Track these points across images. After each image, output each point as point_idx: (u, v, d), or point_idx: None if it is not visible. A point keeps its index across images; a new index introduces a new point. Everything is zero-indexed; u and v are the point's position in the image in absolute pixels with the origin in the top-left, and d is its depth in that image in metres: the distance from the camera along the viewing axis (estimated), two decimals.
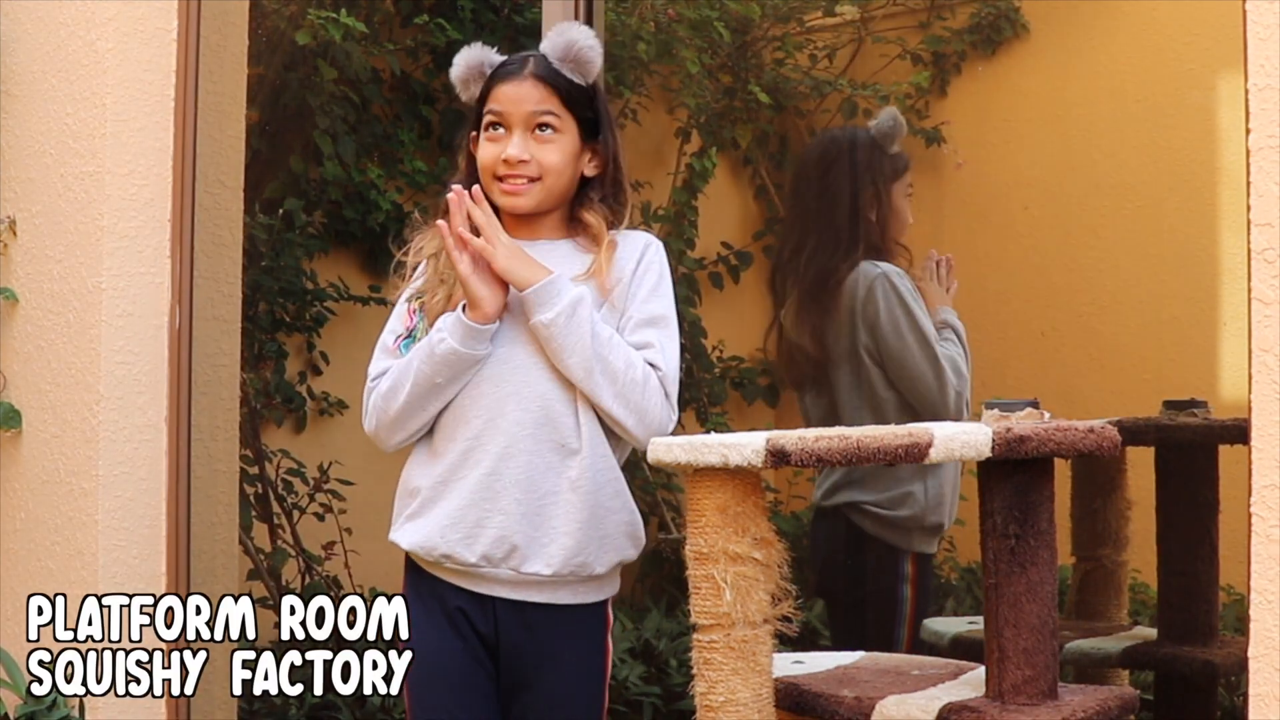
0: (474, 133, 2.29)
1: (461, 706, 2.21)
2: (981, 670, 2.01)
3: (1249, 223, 1.80)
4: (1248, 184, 1.81)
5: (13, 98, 3.32)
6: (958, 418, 2.95)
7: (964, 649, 2.75)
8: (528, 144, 2.22)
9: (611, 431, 2.20)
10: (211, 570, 3.24)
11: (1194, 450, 2.62)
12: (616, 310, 2.23)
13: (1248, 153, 1.81)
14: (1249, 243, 1.80)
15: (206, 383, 3.23)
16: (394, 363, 2.25)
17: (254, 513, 4.03)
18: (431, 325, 2.22)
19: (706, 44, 4.79)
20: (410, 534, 2.23)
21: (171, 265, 3.17)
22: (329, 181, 4.27)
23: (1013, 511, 1.88)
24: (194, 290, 3.19)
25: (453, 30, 4.41)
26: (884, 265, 3.01)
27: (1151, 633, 2.74)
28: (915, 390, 2.96)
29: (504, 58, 2.29)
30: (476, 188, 2.22)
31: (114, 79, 3.14)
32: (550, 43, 2.26)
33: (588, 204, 2.27)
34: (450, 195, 2.19)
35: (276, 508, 4.11)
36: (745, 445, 1.81)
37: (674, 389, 2.20)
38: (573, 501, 2.17)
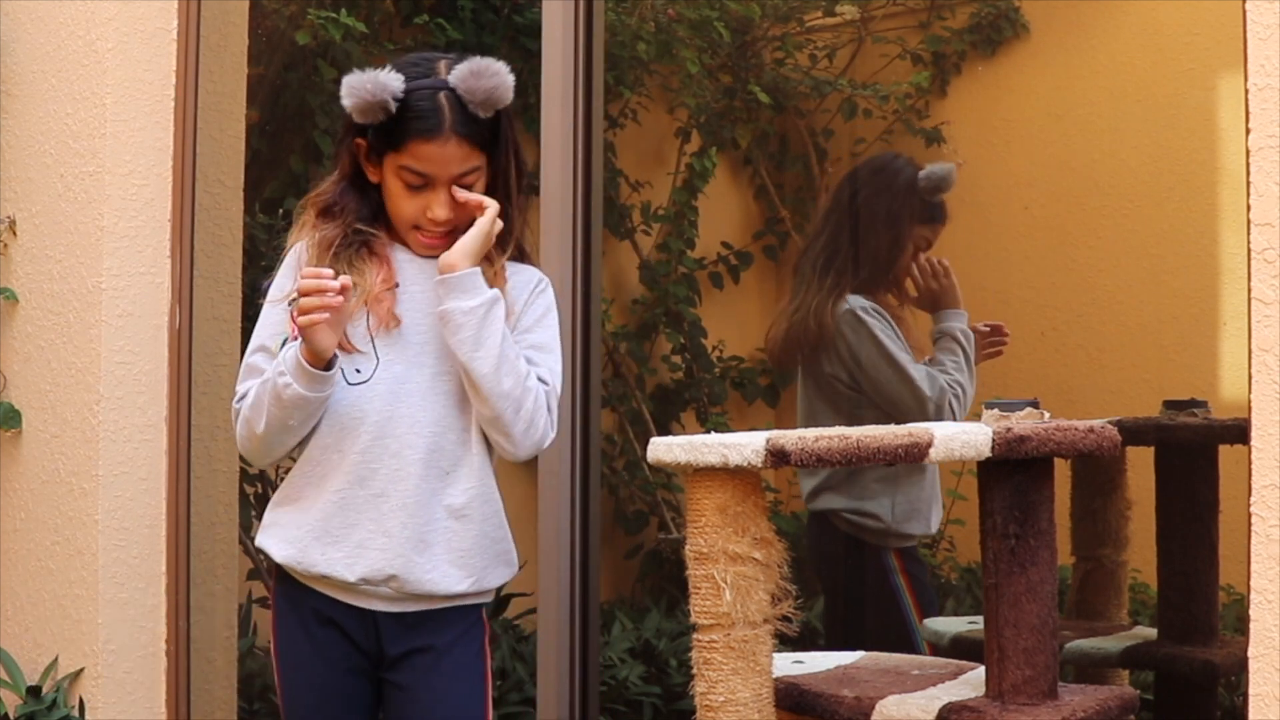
0: (359, 139, 2.20)
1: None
2: (981, 670, 2.00)
3: (1249, 223, 1.80)
4: (1248, 184, 1.81)
5: (13, 98, 3.31)
6: None
7: (964, 649, 2.75)
8: (451, 202, 2.17)
9: (491, 461, 2.21)
10: (211, 570, 3.24)
11: (1194, 450, 2.62)
12: None
13: (1248, 153, 1.81)
14: (1249, 243, 1.80)
15: (206, 382, 3.23)
16: (252, 383, 2.19)
17: (254, 512, 4.02)
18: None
19: (706, 44, 4.79)
20: (284, 545, 2.19)
21: (171, 265, 3.17)
22: None
23: (1013, 511, 1.88)
24: (194, 290, 3.19)
25: (453, 30, 4.41)
26: (852, 300, 3.10)
27: (1151, 633, 2.73)
28: (897, 411, 3.05)
29: (401, 81, 2.14)
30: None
31: (114, 79, 3.14)
32: (465, 84, 2.14)
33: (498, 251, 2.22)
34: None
35: None
36: (745, 445, 1.81)
37: (555, 406, 2.20)
38: (456, 530, 2.18)
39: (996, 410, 1.95)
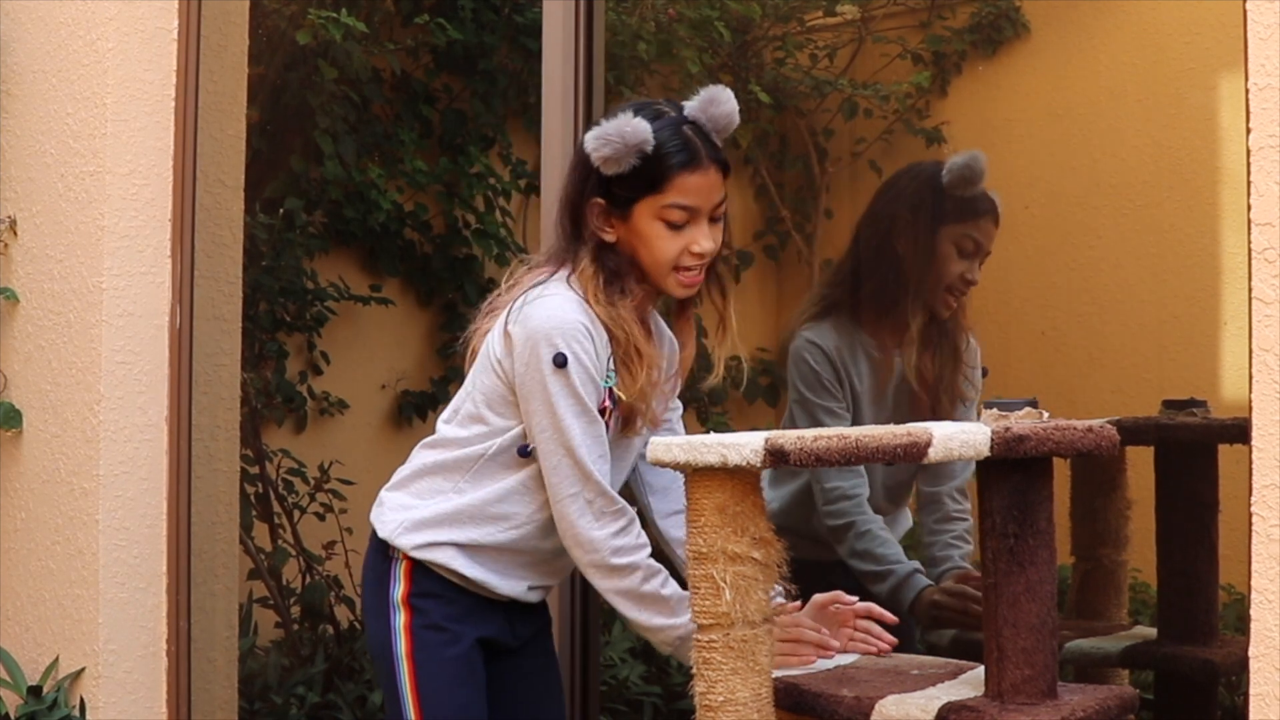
0: (598, 199, 2.14)
1: None
2: (981, 670, 2.00)
3: (1249, 223, 1.80)
4: (1248, 184, 1.81)
5: (13, 98, 3.32)
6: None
7: (964, 649, 2.75)
8: (712, 232, 2.18)
9: None
10: (211, 570, 3.24)
11: (1194, 450, 2.62)
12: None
13: (1248, 153, 1.81)
14: (1249, 243, 1.80)
15: (207, 382, 3.23)
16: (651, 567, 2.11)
17: (254, 512, 4.03)
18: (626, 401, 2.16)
19: (706, 44, 4.80)
20: (486, 572, 2.19)
21: (172, 265, 3.17)
22: (329, 181, 4.27)
23: (1012, 511, 1.88)
24: (194, 290, 3.19)
25: (453, 30, 4.41)
26: (808, 334, 2.87)
27: (1151, 633, 2.73)
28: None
29: (652, 125, 2.12)
30: None
31: (114, 79, 3.14)
32: (706, 113, 2.18)
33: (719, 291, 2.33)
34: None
35: (277, 507, 4.11)
36: (744, 445, 1.81)
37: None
38: None
39: (995, 410, 1.95)
